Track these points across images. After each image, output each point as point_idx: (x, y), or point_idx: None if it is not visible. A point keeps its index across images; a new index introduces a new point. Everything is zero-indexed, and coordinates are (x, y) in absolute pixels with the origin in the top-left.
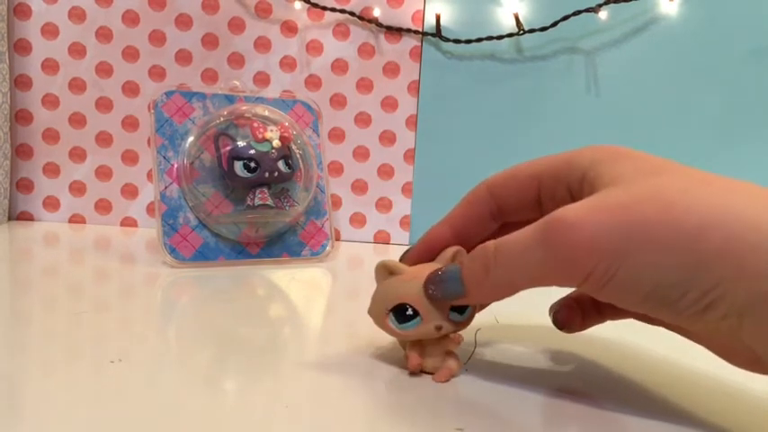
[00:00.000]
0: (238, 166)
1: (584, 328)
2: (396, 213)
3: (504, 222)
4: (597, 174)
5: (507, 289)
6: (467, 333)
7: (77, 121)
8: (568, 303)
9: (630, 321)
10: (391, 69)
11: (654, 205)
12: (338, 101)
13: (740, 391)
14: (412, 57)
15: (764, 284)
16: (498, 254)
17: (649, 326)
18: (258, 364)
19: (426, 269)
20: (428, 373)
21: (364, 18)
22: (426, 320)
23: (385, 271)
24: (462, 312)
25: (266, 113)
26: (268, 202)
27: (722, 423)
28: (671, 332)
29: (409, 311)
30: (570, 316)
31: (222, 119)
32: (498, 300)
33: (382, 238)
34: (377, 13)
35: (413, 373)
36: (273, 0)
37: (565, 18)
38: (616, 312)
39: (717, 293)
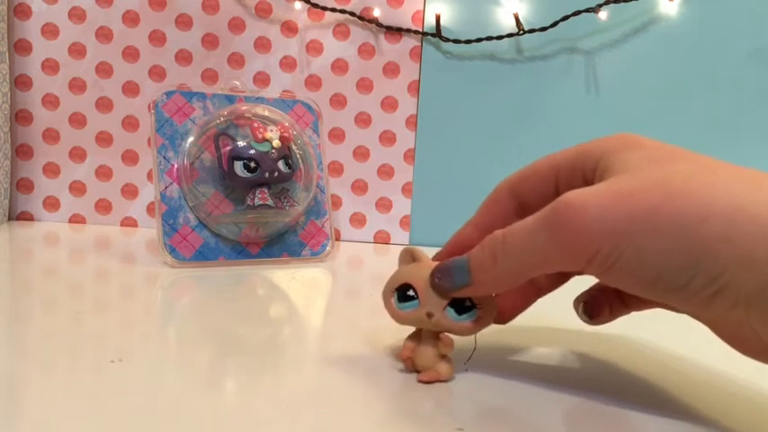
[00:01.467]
0: (238, 166)
1: (612, 320)
2: (396, 213)
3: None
4: (608, 163)
5: (515, 276)
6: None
7: (77, 121)
8: (596, 294)
9: (634, 320)
10: (391, 69)
11: (658, 192)
12: (338, 101)
13: (750, 391)
14: (412, 57)
15: None
16: (506, 241)
17: (654, 324)
18: (258, 364)
19: None
20: (418, 371)
21: (364, 18)
22: (422, 305)
23: (408, 256)
24: (460, 313)
25: (266, 113)
26: (268, 202)
27: (729, 423)
28: (678, 329)
29: (411, 292)
30: (600, 307)
31: (222, 119)
32: (504, 289)
33: (382, 238)
34: (377, 13)
35: (407, 368)
36: (273, 0)
37: (565, 18)
38: (640, 303)
39: (723, 281)
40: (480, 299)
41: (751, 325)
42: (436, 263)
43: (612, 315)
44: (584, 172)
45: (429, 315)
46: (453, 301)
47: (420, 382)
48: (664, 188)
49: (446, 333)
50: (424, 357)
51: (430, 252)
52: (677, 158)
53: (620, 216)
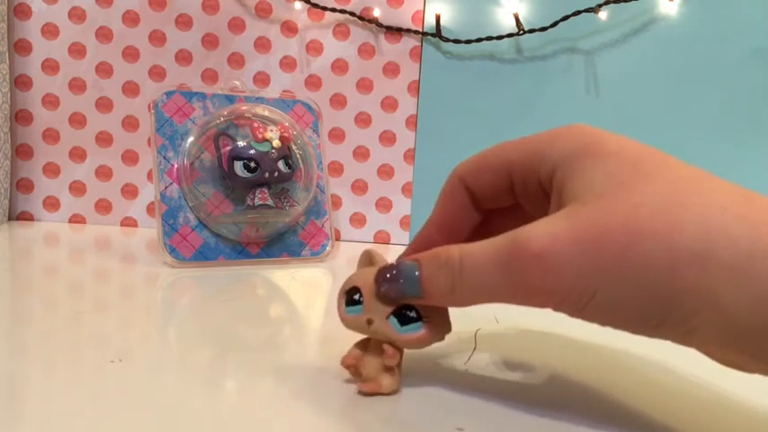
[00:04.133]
0: (238, 166)
1: None
2: (396, 213)
3: (488, 209)
4: (565, 176)
5: (472, 304)
6: (467, 333)
7: (77, 121)
8: None
9: None
10: (391, 69)
11: (623, 235)
12: (338, 101)
13: (742, 404)
14: (412, 57)
15: (743, 320)
16: (464, 271)
17: None
18: (258, 364)
19: None
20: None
21: (364, 18)
22: (366, 311)
23: (366, 259)
24: (403, 324)
25: (266, 113)
26: (268, 202)
27: None
28: None
29: (357, 296)
30: None
31: (222, 119)
32: (461, 307)
33: (382, 239)
34: (377, 13)
35: (352, 376)
36: (273, 0)
37: (565, 18)
38: None
39: (692, 325)
40: (428, 312)
41: (726, 357)
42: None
43: None
44: (540, 177)
45: (369, 322)
46: (397, 310)
47: (360, 393)
48: (629, 230)
49: (389, 344)
50: (368, 367)
51: None
52: (642, 175)
53: (584, 264)
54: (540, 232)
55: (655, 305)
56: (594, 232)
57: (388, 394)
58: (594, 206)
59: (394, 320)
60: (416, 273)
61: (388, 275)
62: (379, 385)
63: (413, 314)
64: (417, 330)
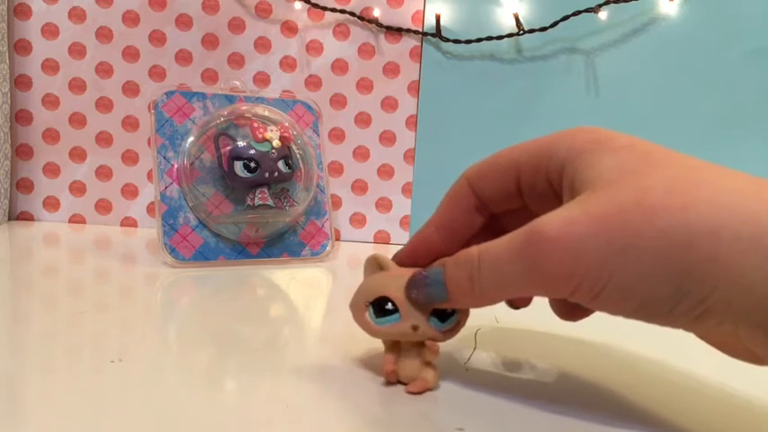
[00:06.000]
0: (238, 166)
1: (584, 317)
2: (396, 213)
3: (492, 213)
4: (576, 169)
5: (494, 300)
6: (467, 333)
7: (77, 121)
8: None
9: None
10: (391, 69)
11: (638, 213)
12: (338, 101)
13: (745, 403)
14: (412, 57)
15: (761, 292)
16: (482, 265)
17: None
18: (258, 364)
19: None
20: (402, 383)
21: (364, 18)
22: (405, 318)
23: (375, 265)
24: (443, 320)
25: (266, 113)
26: (268, 202)
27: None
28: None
29: (389, 306)
30: (566, 307)
31: (222, 119)
32: (484, 306)
33: (382, 238)
34: (377, 13)
35: (388, 382)
36: (273, 0)
37: (565, 18)
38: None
39: (711, 302)
40: None
41: (739, 338)
42: (406, 270)
43: (585, 313)
44: (549, 173)
45: (415, 328)
46: (435, 309)
47: (410, 393)
48: (643, 208)
49: (431, 341)
50: (409, 368)
51: None
52: (653, 164)
53: (600, 245)
54: (554, 218)
55: (671, 285)
56: (609, 213)
57: (433, 389)
58: (607, 190)
59: (435, 320)
60: (442, 276)
61: (417, 282)
62: (426, 381)
63: (449, 309)
64: (454, 322)
